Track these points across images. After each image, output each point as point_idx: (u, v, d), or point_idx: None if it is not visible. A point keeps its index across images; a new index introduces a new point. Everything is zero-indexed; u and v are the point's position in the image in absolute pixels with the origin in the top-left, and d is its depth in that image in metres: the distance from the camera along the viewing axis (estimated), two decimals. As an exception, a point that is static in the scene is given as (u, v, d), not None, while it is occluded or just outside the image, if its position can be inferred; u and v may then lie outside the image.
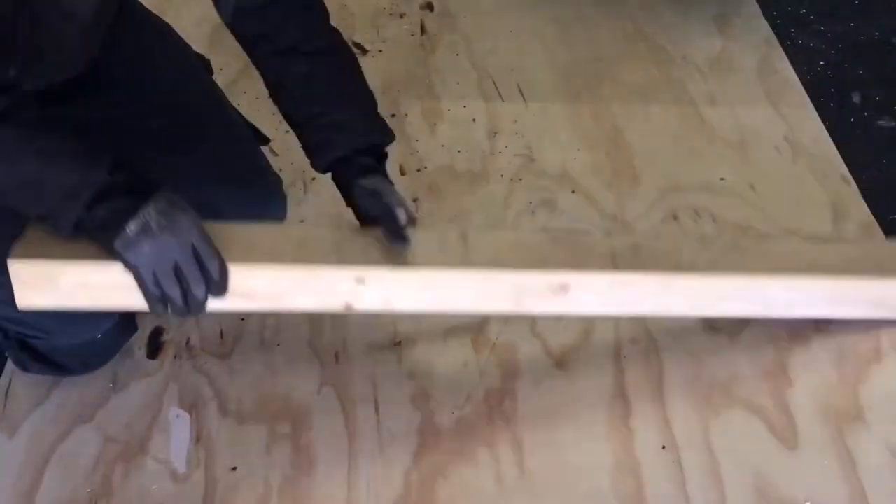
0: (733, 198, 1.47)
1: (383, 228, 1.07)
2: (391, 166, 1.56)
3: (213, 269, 0.98)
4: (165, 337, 1.34)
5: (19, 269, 1.01)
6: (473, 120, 1.65)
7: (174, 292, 0.97)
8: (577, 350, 1.26)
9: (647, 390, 1.21)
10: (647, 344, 1.27)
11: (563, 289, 1.12)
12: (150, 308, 0.98)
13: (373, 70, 1.75)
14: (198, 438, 1.20)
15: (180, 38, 1.36)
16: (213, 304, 1.03)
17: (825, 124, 1.57)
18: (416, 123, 1.65)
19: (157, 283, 0.96)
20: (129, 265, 0.95)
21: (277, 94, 1.16)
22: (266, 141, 1.48)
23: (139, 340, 1.33)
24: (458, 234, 1.13)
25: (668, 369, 1.23)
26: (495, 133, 1.63)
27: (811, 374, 1.21)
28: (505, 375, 1.24)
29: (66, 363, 1.25)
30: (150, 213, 0.94)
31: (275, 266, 1.06)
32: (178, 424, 1.22)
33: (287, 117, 1.16)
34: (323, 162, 1.14)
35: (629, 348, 1.26)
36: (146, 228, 0.93)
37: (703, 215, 1.44)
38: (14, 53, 1.00)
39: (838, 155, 1.52)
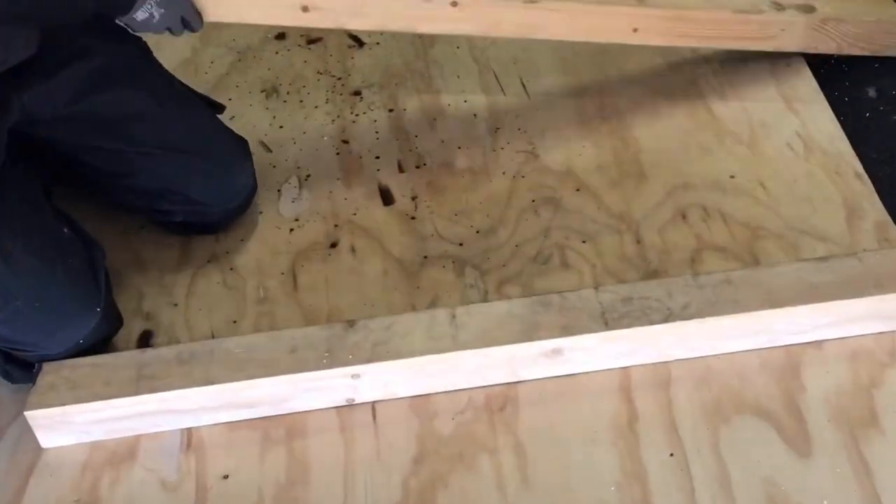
0: (744, 196, 1.46)
1: None
2: (391, 162, 1.58)
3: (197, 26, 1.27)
4: (154, 340, 1.34)
5: (36, 416, 1.18)
6: (474, 115, 1.65)
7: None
8: (581, 353, 1.26)
9: (655, 395, 1.21)
10: (655, 347, 1.26)
11: (557, 353, 1.19)
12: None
13: (370, 63, 1.76)
14: (188, 445, 1.21)
15: None
16: (220, 416, 1.20)
17: (839, 120, 1.57)
18: (414, 118, 1.65)
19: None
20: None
21: None
22: (221, 108, 1.51)
23: (128, 344, 1.33)
24: (447, 315, 1.22)
25: (676, 373, 1.23)
26: (497, 128, 1.62)
27: (824, 378, 1.21)
28: (507, 380, 1.24)
29: None
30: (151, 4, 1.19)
31: (271, 377, 1.17)
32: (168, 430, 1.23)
33: None
34: None
35: (636, 352, 1.26)
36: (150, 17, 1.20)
37: (712, 214, 1.44)
38: None
39: (852, 151, 1.51)
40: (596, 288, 1.24)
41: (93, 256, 1.29)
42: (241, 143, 1.47)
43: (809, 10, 1.59)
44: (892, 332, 1.25)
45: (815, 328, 1.23)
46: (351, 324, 1.23)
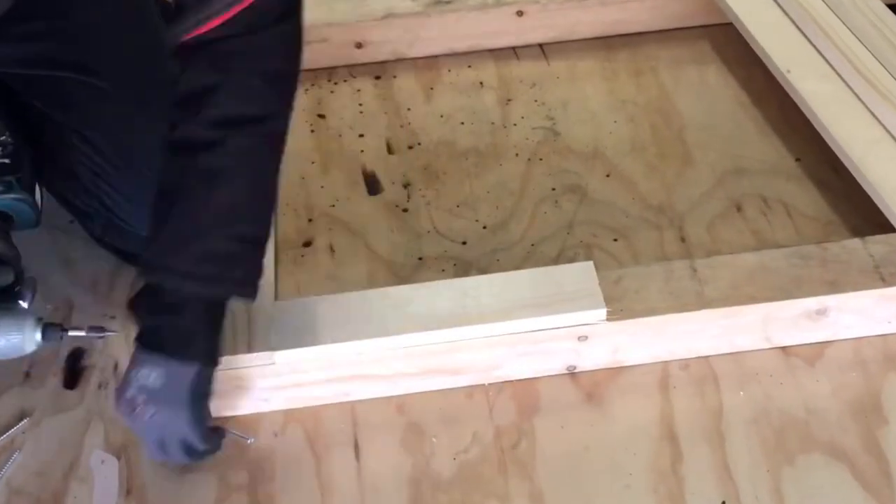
0: (811, 183, 1.46)
1: None
2: (377, 141, 1.57)
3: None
4: (87, 361, 1.34)
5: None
6: (480, 83, 1.65)
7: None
8: (612, 378, 1.26)
9: (703, 429, 1.21)
10: (703, 370, 1.26)
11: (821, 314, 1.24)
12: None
13: (352, 20, 1.75)
14: (128, 491, 1.20)
15: None
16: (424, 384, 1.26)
17: (929, 89, 1.57)
18: (407, 88, 1.65)
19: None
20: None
21: None
22: None
23: (54, 366, 1.33)
24: (685, 266, 1.26)
25: (729, 402, 1.23)
26: (508, 100, 1.62)
27: (911, 408, 1.21)
28: (521, 410, 1.24)
29: None
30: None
31: (487, 336, 1.22)
32: (104, 473, 1.23)
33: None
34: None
35: (679, 376, 1.26)
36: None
37: (773, 206, 1.44)
38: None
39: (947, 129, 1.52)
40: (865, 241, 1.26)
41: None
42: None
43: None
44: None
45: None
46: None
